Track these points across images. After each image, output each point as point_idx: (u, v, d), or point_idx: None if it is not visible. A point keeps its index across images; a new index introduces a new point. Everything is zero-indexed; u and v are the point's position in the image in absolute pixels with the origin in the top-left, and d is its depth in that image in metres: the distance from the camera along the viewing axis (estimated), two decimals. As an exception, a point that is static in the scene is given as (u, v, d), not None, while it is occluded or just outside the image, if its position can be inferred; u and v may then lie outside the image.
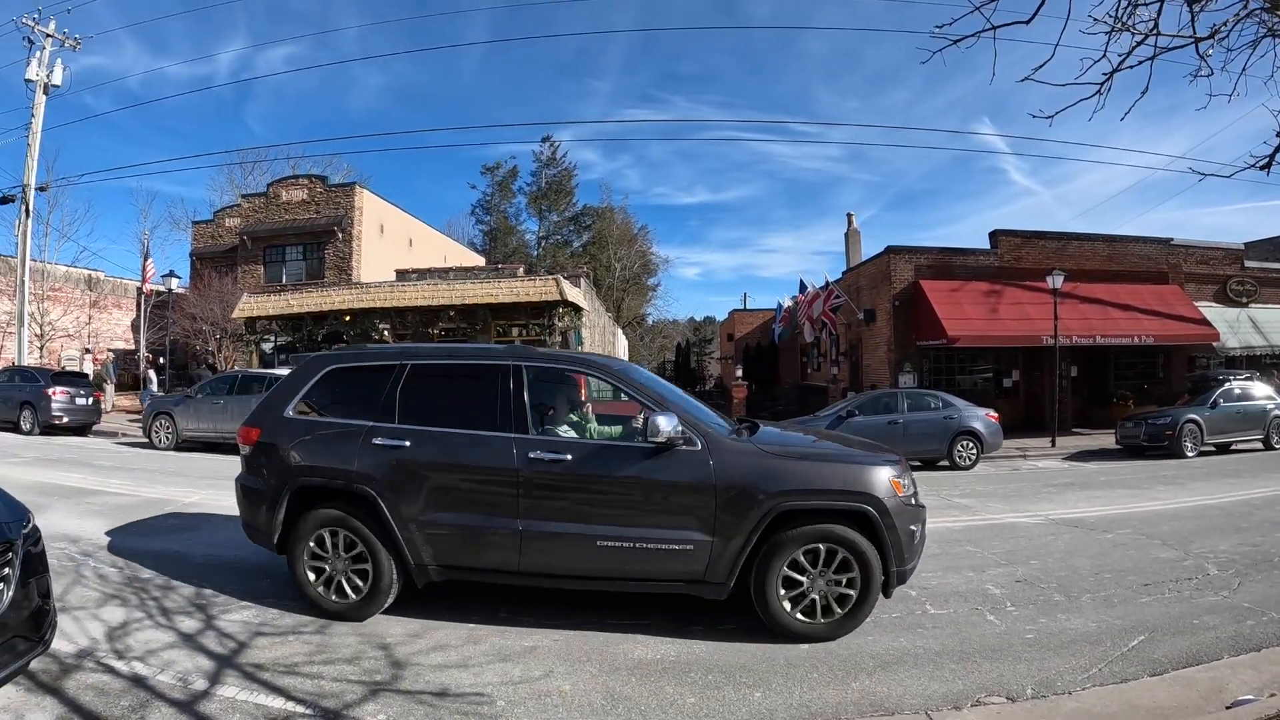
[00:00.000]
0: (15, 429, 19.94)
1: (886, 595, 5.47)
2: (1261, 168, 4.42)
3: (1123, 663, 4.81)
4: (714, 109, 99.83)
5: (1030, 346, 22.48)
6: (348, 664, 4.77)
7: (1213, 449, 17.87)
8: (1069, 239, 24.71)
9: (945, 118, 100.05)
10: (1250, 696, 4.12)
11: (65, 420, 20.01)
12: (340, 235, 31.65)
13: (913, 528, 5.40)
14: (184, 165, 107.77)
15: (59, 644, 4.58)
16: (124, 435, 20.39)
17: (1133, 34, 4.13)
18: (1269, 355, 24.55)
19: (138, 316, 32.90)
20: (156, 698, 4.18)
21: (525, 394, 5.58)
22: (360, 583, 5.58)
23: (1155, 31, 4.08)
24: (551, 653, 5.02)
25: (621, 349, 44.03)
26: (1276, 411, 18.23)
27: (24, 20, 23.82)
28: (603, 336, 32.67)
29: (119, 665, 4.62)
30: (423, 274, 25.78)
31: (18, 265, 25.16)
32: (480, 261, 45.51)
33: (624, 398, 5.78)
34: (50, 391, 19.84)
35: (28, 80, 24.19)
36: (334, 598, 5.61)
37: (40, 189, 25.43)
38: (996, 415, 16.78)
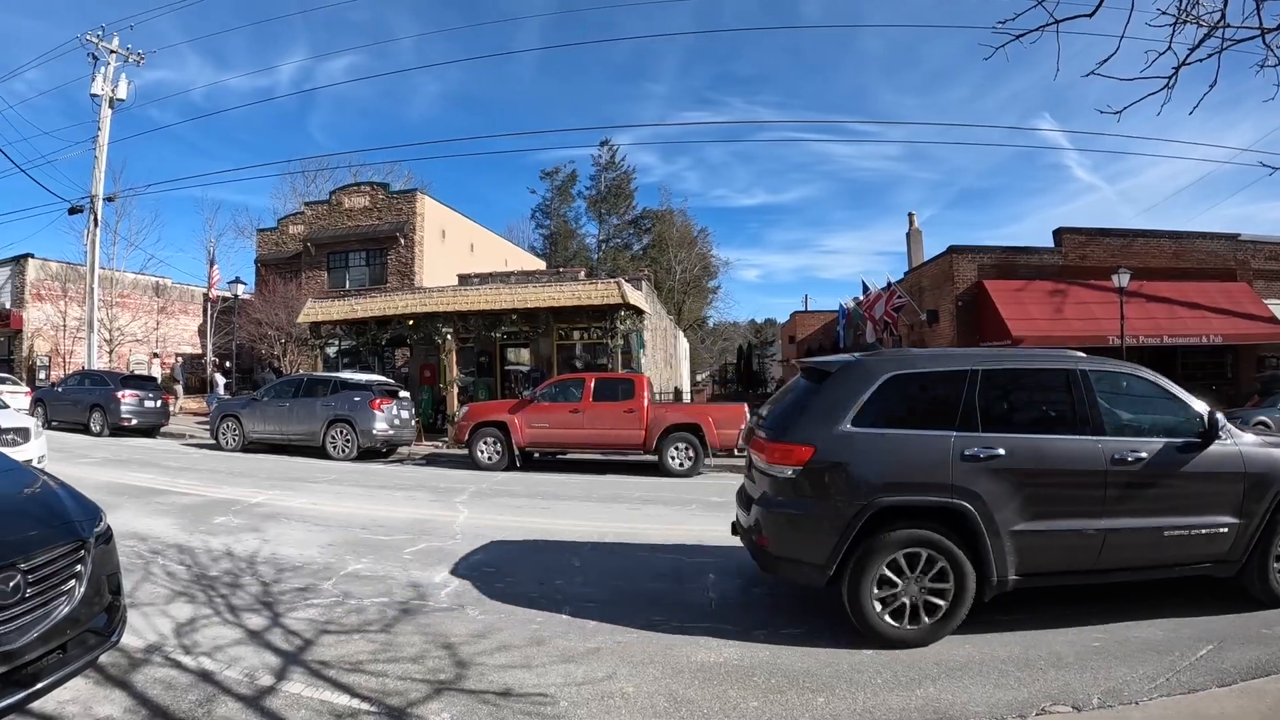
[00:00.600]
0: (85, 430, 20.55)
1: None
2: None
3: (1190, 672, 4.64)
4: (771, 110, 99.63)
5: (1096, 347, 21.81)
6: (412, 663, 4.74)
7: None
8: (1134, 236, 23.99)
9: (1005, 113, 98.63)
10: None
11: (134, 422, 20.62)
12: (402, 241, 32.11)
13: None
14: (247, 175, 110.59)
15: (128, 639, 4.63)
16: (191, 437, 20.93)
17: (1197, 25, 3.98)
18: (1342, 354, 23.52)
19: (204, 321, 33.82)
20: (223, 692, 4.20)
21: (1095, 396, 5.67)
22: (938, 602, 5.25)
23: (1222, 23, 3.93)
24: (615, 654, 4.97)
25: (683, 352, 43.88)
26: (1352, 412, 17.39)
27: (88, 37, 24.60)
28: (664, 340, 32.53)
29: (186, 660, 4.66)
30: (484, 278, 25.93)
31: (87, 273, 26.04)
32: (541, 265, 45.76)
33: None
34: (120, 394, 20.45)
35: (93, 95, 24.98)
36: (905, 624, 5.21)
37: (108, 199, 26.26)
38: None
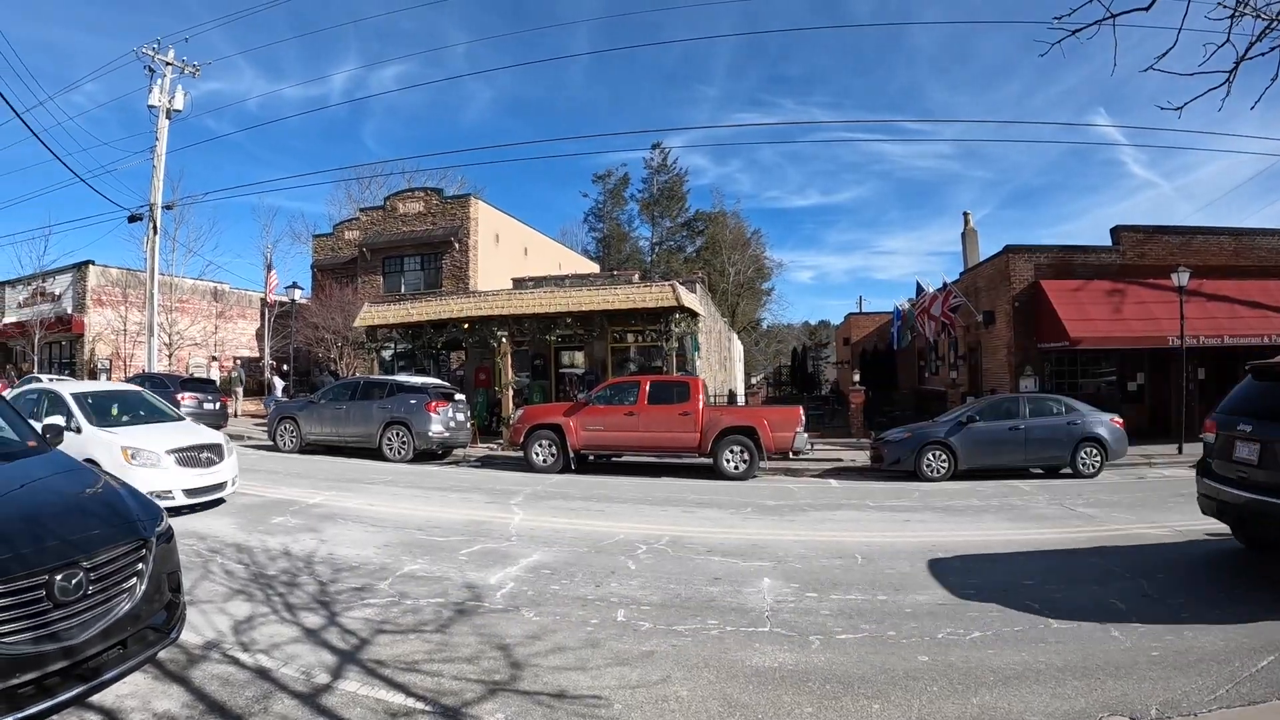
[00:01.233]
0: (146, 431, 20.89)
1: None
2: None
3: (1251, 684, 4.46)
4: (823, 110, 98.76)
5: (1155, 348, 21.15)
6: (467, 663, 4.72)
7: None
8: (1193, 233, 23.10)
9: (1059, 109, 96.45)
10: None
11: (193, 423, 20.91)
12: (456, 245, 32.48)
13: None
14: (302, 182, 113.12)
15: (187, 635, 4.70)
16: (249, 438, 21.32)
17: (1255, 18, 3.84)
18: None
19: (262, 325, 34.51)
20: (279, 689, 4.22)
21: None
22: None
23: None
24: (669, 658, 4.89)
25: (737, 354, 43.66)
26: None
27: (144, 50, 25.20)
28: (719, 342, 32.43)
29: (244, 657, 4.69)
30: (538, 282, 26.11)
31: (147, 278, 26.67)
32: (594, 268, 45.98)
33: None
34: (179, 396, 20.83)
35: (150, 106, 25.58)
36: None
37: (166, 207, 26.94)
38: (1121, 420, 15.76)
